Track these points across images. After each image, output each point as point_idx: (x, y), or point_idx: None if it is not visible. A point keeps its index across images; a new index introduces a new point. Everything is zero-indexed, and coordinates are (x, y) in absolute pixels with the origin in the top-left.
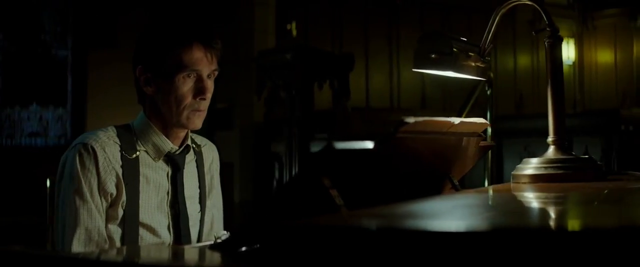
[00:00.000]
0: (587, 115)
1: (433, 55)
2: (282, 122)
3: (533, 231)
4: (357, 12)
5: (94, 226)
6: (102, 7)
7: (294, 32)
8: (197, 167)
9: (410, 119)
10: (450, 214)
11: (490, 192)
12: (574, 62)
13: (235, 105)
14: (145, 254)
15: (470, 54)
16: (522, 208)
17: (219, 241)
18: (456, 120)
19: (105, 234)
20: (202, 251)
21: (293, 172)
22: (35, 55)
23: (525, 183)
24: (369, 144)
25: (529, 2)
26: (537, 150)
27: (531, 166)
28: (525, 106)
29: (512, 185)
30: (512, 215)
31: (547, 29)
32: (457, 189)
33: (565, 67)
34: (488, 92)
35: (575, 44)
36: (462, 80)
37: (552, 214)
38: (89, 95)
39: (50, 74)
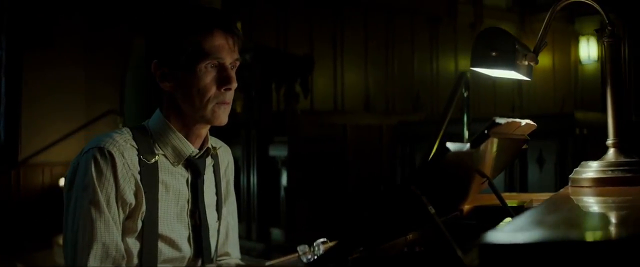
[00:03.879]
0: (541, 119)
1: (493, 53)
2: (239, 125)
3: None
4: (302, 14)
5: (111, 240)
6: (38, 6)
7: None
8: (214, 172)
9: (502, 120)
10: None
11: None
12: None
13: None
14: None
15: (525, 53)
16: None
17: (303, 256)
18: (523, 121)
19: (123, 250)
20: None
21: (252, 176)
22: None
23: (588, 187)
24: (466, 146)
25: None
26: None
27: (592, 170)
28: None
29: (571, 189)
30: None
31: (609, 28)
32: (497, 192)
33: None
34: (465, 95)
35: None
36: (405, 83)
37: None
38: (24, 97)
39: None
